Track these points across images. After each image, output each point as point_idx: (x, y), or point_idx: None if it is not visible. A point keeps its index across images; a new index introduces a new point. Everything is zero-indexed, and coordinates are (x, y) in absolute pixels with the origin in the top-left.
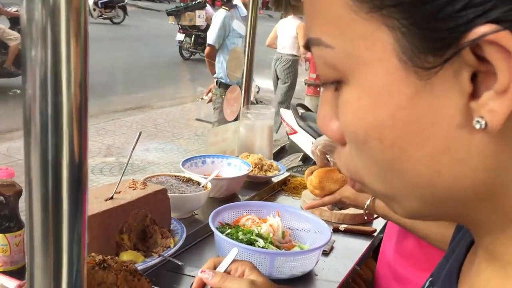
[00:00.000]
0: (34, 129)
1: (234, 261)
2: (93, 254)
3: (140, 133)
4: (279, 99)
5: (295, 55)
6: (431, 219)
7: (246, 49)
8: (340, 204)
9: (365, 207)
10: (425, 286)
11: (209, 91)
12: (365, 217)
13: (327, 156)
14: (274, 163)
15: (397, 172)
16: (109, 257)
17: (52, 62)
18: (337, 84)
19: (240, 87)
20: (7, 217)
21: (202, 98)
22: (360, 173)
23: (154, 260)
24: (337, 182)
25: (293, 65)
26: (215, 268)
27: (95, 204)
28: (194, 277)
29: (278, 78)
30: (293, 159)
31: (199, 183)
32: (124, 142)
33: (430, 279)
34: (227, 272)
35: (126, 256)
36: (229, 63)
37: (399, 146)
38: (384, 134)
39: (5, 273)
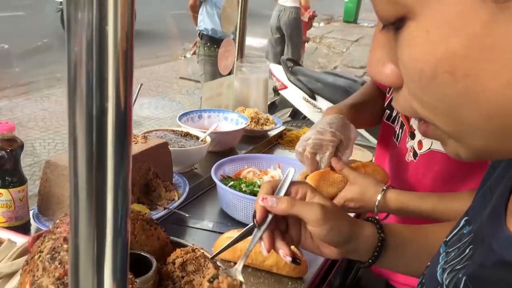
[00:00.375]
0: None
1: (292, 183)
2: None
3: (141, 85)
4: (291, 54)
5: (298, 7)
6: (497, 156)
7: (240, 0)
8: (343, 210)
9: (376, 204)
10: (460, 225)
11: (194, 44)
12: (377, 218)
13: (317, 156)
14: (270, 117)
15: (469, 105)
16: None
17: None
18: (400, 22)
19: (234, 40)
20: (9, 172)
21: (184, 56)
22: (424, 115)
23: (160, 213)
24: (335, 184)
25: (298, 17)
26: (273, 192)
27: None
28: (199, 228)
29: (279, 32)
30: (282, 115)
31: (197, 137)
32: None
33: (466, 218)
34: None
35: (134, 208)
36: (222, 14)
37: (473, 76)
38: (456, 66)
39: (10, 228)
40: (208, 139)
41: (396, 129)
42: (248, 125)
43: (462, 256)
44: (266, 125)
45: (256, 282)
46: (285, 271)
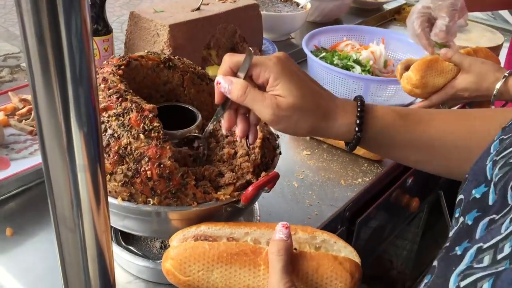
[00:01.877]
0: None
1: (255, 64)
2: (158, 52)
3: None
4: None
5: None
6: None
7: None
8: (451, 102)
9: (495, 93)
10: None
11: None
12: (492, 107)
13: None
14: None
15: None
16: (176, 57)
17: None
18: None
19: None
20: (93, 19)
21: None
22: None
23: None
24: (443, 74)
25: None
26: (233, 72)
27: (180, 14)
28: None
29: None
30: None
31: (298, 4)
32: None
33: None
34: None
35: (212, 71)
36: None
37: None
38: None
39: None
40: (309, 6)
41: None
42: None
43: None
44: None
45: (329, 159)
46: (361, 152)
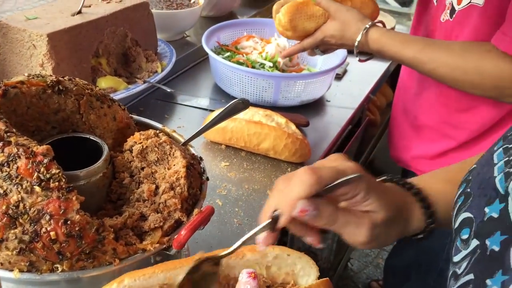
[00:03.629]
0: None
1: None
2: (42, 74)
3: None
4: None
5: None
6: None
7: None
8: (323, 46)
9: (356, 44)
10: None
11: None
12: (357, 58)
13: None
14: None
15: None
16: (66, 77)
17: None
18: None
19: None
20: None
21: None
22: None
23: (138, 87)
24: (313, 19)
25: None
26: (318, 191)
27: (59, 20)
28: (188, 106)
29: None
30: None
31: None
32: None
33: None
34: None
35: (105, 82)
36: None
37: None
38: None
39: None
40: (201, 1)
41: None
42: None
43: None
44: None
45: (250, 168)
46: (283, 156)
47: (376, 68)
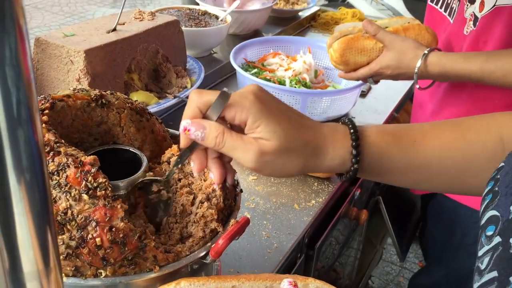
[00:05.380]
0: None
1: (229, 105)
2: (87, 88)
3: None
4: None
5: None
6: None
7: None
8: (376, 77)
9: (415, 71)
10: None
11: None
12: (417, 86)
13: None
14: None
15: None
16: (108, 92)
17: None
18: None
19: None
20: None
21: None
22: None
23: (169, 102)
24: (364, 52)
25: None
26: (202, 114)
27: (95, 37)
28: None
29: None
30: None
31: (217, 17)
32: None
33: None
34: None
35: (137, 97)
36: None
37: None
38: None
39: None
40: (229, 19)
41: (450, 1)
42: (277, 4)
43: None
44: (297, 4)
45: (278, 183)
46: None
47: (400, 86)
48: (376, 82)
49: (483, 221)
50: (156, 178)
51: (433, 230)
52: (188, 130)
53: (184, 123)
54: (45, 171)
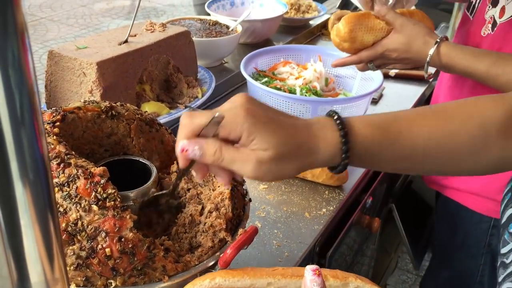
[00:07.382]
0: None
1: (223, 126)
2: (97, 100)
3: None
4: None
5: None
6: None
7: None
8: (379, 61)
9: (428, 60)
10: None
11: None
12: (426, 75)
13: None
14: (313, 3)
15: None
16: (118, 103)
17: None
18: None
19: None
20: None
21: None
22: None
23: (180, 112)
24: (372, 31)
25: None
26: (196, 134)
27: (107, 49)
28: None
29: None
30: (329, 4)
31: (227, 27)
32: None
33: None
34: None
35: (149, 107)
36: None
37: None
38: None
39: None
40: (239, 29)
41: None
42: (287, 13)
43: None
44: (308, 12)
45: (288, 191)
46: (321, 179)
47: (412, 93)
48: (378, 67)
49: (504, 219)
50: (161, 192)
51: (438, 231)
52: (186, 150)
53: (181, 144)
54: (50, 178)
